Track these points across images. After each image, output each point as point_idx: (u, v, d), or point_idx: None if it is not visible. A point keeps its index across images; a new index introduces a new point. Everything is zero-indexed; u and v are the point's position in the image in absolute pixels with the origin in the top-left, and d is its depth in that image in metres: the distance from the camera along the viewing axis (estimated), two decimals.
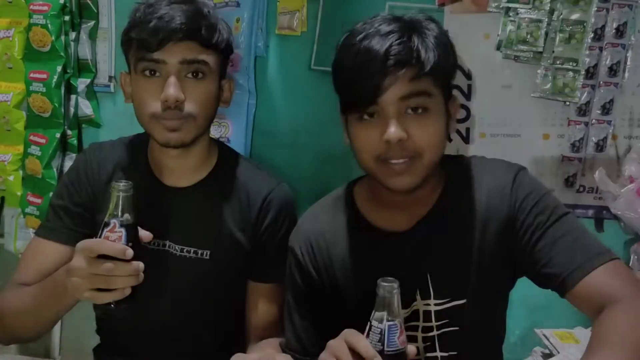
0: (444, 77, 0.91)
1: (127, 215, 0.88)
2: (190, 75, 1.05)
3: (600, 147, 1.37)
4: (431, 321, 0.97)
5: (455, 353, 0.98)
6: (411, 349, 0.81)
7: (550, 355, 0.97)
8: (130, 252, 0.86)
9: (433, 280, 0.96)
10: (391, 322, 0.78)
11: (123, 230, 0.87)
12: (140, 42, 1.03)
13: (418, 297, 0.97)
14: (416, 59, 0.86)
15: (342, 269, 1.00)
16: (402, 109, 0.88)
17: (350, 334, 0.80)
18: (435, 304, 0.96)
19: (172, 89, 1.02)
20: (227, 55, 1.13)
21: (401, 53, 0.86)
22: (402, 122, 0.87)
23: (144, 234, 0.93)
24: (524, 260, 0.93)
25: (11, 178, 1.72)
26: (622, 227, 1.36)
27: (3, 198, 1.82)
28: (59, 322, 1.84)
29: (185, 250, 1.13)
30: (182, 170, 1.14)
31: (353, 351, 0.78)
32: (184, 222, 1.13)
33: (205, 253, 1.13)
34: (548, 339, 0.98)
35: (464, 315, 0.97)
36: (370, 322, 0.80)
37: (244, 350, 1.15)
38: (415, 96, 0.87)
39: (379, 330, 0.78)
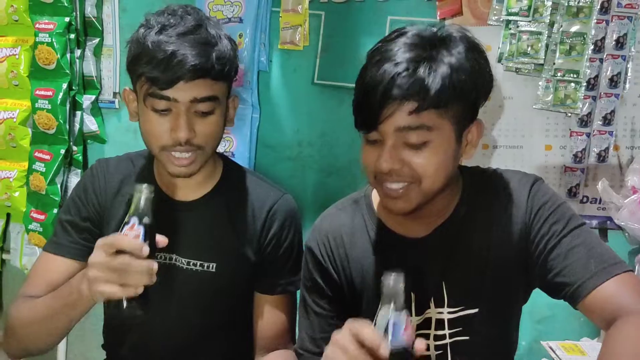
0: (457, 106, 0.88)
1: (146, 217, 0.90)
2: (200, 111, 1.04)
3: (602, 157, 1.37)
4: (444, 329, 0.97)
5: None
6: (420, 344, 0.78)
7: None
8: (146, 250, 0.88)
9: (448, 288, 0.96)
10: (396, 318, 0.76)
11: (142, 229, 0.89)
12: (150, 78, 1.02)
13: (432, 304, 0.97)
14: (418, 92, 0.84)
15: (358, 270, 1.00)
16: (400, 140, 0.87)
17: (354, 323, 0.78)
18: (449, 312, 0.96)
19: (182, 131, 1.02)
20: (233, 78, 1.11)
21: (404, 85, 0.84)
22: (398, 151, 0.87)
23: (160, 238, 0.93)
24: (538, 269, 0.94)
25: (17, 194, 1.74)
26: (626, 237, 1.36)
27: (9, 214, 1.84)
28: (65, 338, 1.84)
29: (191, 264, 1.14)
30: (188, 185, 1.15)
31: (359, 342, 0.77)
32: (190, 235, 1.14)
33: (211, 266, 1.13)
34: (554, 351, 0.98)
35: (477, 325, 0.96)
36: (376, 318, 0.78)
37: None
38: (413, 130, 0.86)
39: (384, 325, 0.76)
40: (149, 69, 1.01)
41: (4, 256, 1.87)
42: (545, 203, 0.95)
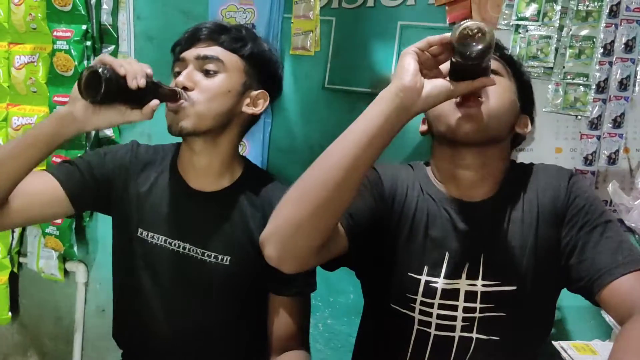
0: (514, 75, 1.09)
1: (161, 84, 1.07)
2: (205, 69, 1.13)
3: (612, 160, 1.37)
4: (475, 302, 0.99)
5: (496, 339, 0.99)
6: None
7: None
8: (150, 71, 1.03)
9: (485, 260, 0.99)
10: None
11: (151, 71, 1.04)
12: (176, 48, 1.18)
13: (464, 274, 0.99)
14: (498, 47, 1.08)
15: (406, 208, 1.06)
16: None
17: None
18: (483, 285, 0.99)
19: (182, 76, 1.12)
20: (257, 66, 1.19)
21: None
22: None
23: (155, 101, 1.03)
24: (566, 255, 0.97)
25: None
26: (637, 239, 1.36)
27: None
28: (80, 341, 1.86)
29: (205, 255, 1.15)
30: (207, 173, 1.17)
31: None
32: (206, 226, 1.16)
33: (225, 259, 1.15)
34: (565, 351, 0.98)
35: (513, 302, 0.99)
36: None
37: None
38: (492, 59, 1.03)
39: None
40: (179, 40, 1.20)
41: (21, 259, 1.91)
42: (582, 193, 1.01)
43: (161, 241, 1.16)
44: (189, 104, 1.09)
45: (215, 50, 1.13)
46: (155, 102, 1.01)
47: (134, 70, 0.98)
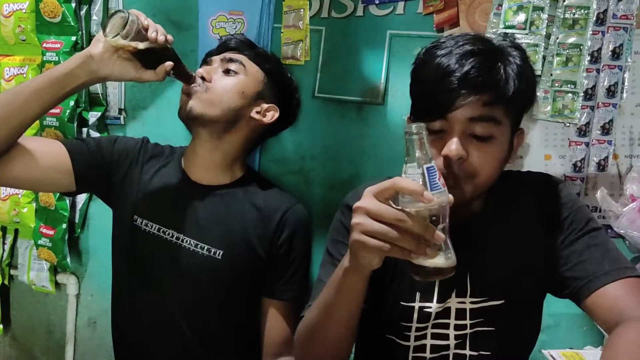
0: (518, 108, 0.92)
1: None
2: (226, 69, 1.22)
3: (601, 166, 1.38)
4: (465, 319, 0.99)
5: (488, 353, 0.99)
6: (451, 197, 0.76)
7: None
8: (170, 39, 1.08)
9: (472, 278, 0.99)
10: (429, 164, 0.73)
11: None
12: (206, 56, 1.31)
13: (453, 294, 0.99)
14: (495, 85, 0.86)
15: None
16: (468, 130, 0.88)
17: (384, 184, 0.73)
18: (472, 302, 0.98)
19: (203, 69, 1.20)
20: (275, 83, 1.30)
21: (481, 77, 0.85)
22: (464, 142, 0.87)
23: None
24: (553, 264, 0.97)
25: (25, 210, 1.76)
26: (626, 245, 1.36)
27: (17, 230, 1.86)
28: (72, 353, 1.85)
29: (199, 247, 1.15)
30: (208, 167, 1.19)
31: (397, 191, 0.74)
32: (202, 218, 1.17)
33: (218, 253, 1.15)
34: None
35: (501, 316, 0.98)
36: (405, 174, 0.74)
37: None
38: (484, 121, 0.87)
39: (419, 174, 0.73)
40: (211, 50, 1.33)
41: (12, 272, 1.89)
42: (568, 202, 1.00)
43: (155, 229, 1.17)
44: (202, 90, 1.15)
45: (240, 57, 1.22)
46: (169, 63, 1.05)
47: (157, 27, 1.03)
